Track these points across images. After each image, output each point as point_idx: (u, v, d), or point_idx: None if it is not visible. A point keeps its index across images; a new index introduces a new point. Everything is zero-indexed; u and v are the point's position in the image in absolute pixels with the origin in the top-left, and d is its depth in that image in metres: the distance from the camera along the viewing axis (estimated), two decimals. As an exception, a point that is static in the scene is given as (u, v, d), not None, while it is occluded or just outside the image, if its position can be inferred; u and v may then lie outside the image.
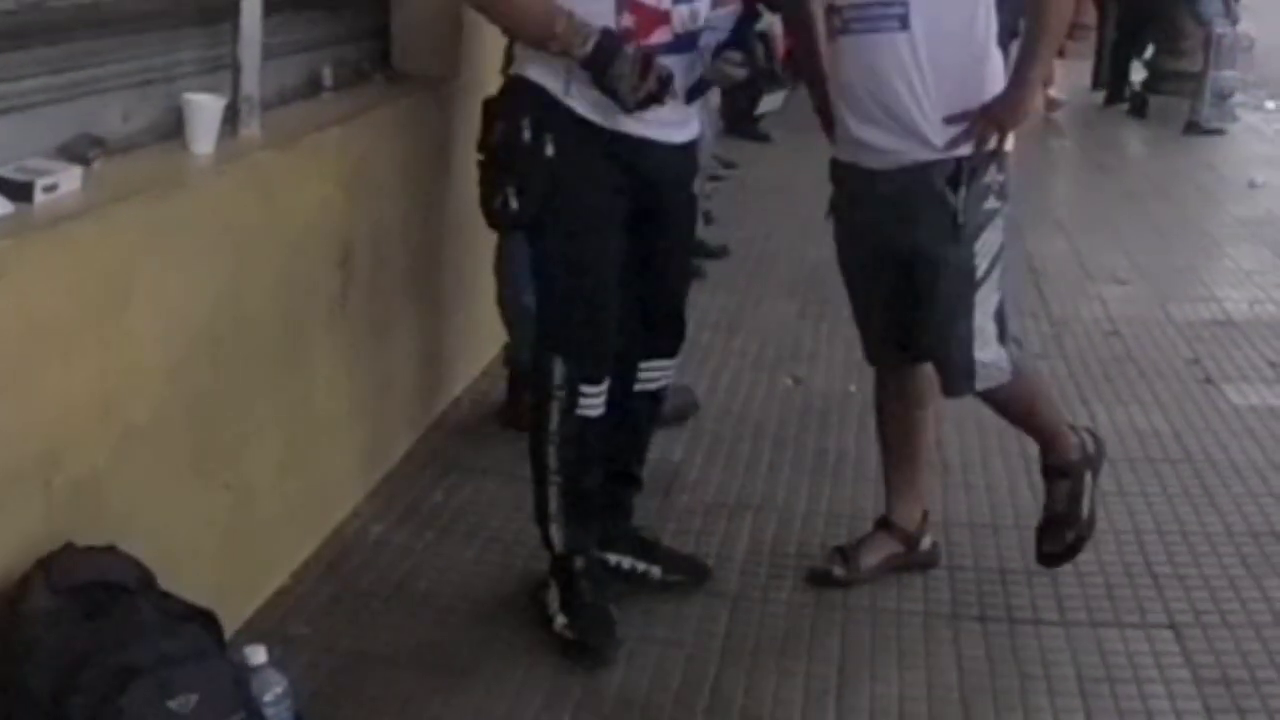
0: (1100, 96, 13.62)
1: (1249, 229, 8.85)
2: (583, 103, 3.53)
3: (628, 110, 3.46)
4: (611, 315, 3.69)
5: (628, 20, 3.49)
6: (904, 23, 3.59)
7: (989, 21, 3.67)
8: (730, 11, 3.77)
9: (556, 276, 3.69)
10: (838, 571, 4.11)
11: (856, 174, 3.81)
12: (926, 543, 4.24)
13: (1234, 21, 12.49)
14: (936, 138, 3.65)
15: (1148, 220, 9.00)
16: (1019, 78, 3.73)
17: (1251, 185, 10.10)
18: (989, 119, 3.65)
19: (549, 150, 3.53)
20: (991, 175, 3.72)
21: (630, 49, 3.41)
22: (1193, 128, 12.08)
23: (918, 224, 3.74)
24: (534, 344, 3.80)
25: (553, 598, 3.79)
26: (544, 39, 3.45)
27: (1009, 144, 3.75)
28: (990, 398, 3.90)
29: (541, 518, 3.80)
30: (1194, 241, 8.63)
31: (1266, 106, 13.58)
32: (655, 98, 3.45)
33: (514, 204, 3.57)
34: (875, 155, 3.73)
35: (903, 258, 3.85)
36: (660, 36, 3.55)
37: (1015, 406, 3.98)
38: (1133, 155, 11.16)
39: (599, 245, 3.64)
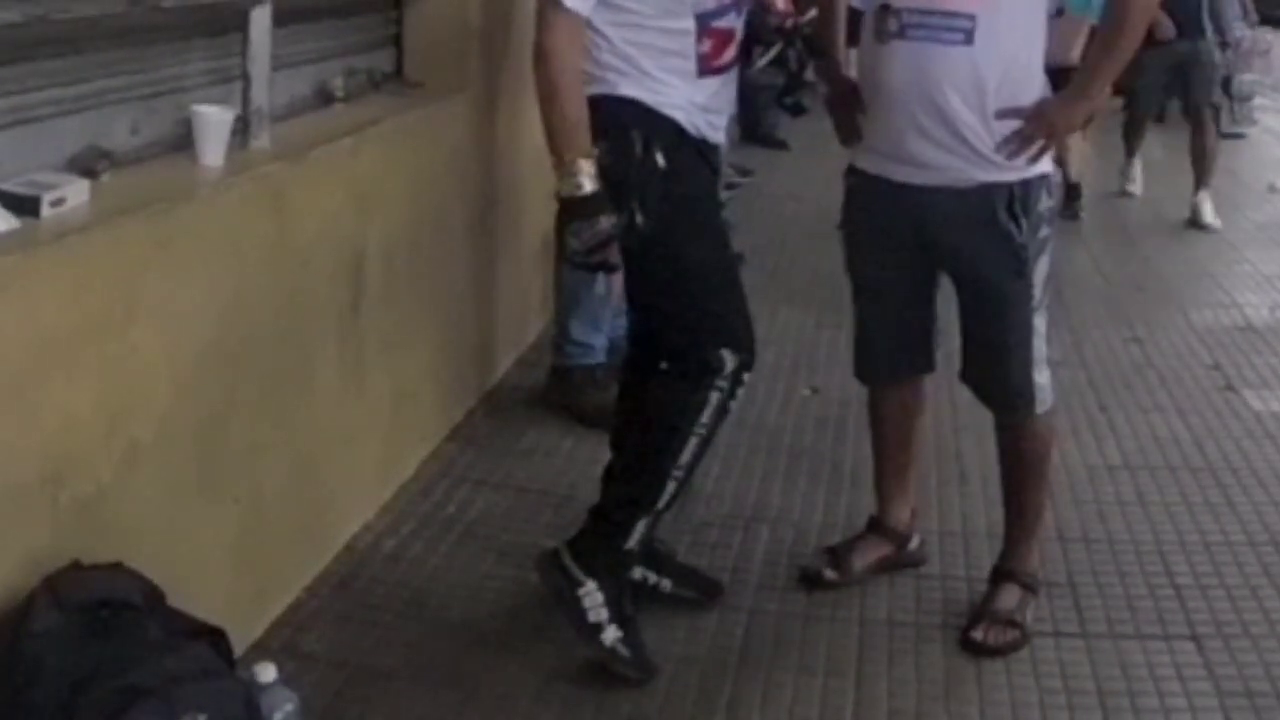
0: (1118, 101, 13.56)
1: (1269, 233, 8.84)
2: (680, 112, 3.55)
3: (569, 256, 3.48)
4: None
5: (706, 46, 3.54)
6: (969, 38, 3.51)
7: (1042, 46, 3.64)
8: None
9: (705, 273, 3.65)
10: (829, 573, 4.12)
11: (891, 188, 3.74)
12: (915, 542, 4.26)
13: (1252, 25, 12.46)
14: (992, 153, 3.58)
15: (1167, 224, 8.97)
16: (1080, 89, 3.69)
17: (1272, 189, 10.10)
18: (1041, 120, 3.59)
19: (659, 160, 3.50)
20: (1044, 201, 3.69)
21: (603, 222, 3.37)
22: (1211, 132, 12.05)
23: (979, 255, 3.71)
24: (690, 340, 3.66)
25: (594, 605, 3.61)
26: (556, 149, 3.40)
27: (1049, 166, 3.71)
28: (1033, 423, 3.86)
29: (635, 511, 3.68)
30: (1214, 247, 8.60)
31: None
32: (595, 266, 3.51)
33: (639, 219, 3.49)
34: (924, 171, 3.66)
35: (933, 277, 3.86)
36: (729, 55, 3.63)
37: (1045, 443, 3.93)
38: (1151, 160, 11.10)
39: (723, 237, 3.80)
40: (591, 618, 3.61)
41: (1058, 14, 4.61)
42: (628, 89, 3.51)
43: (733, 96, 3.75)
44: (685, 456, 3.63)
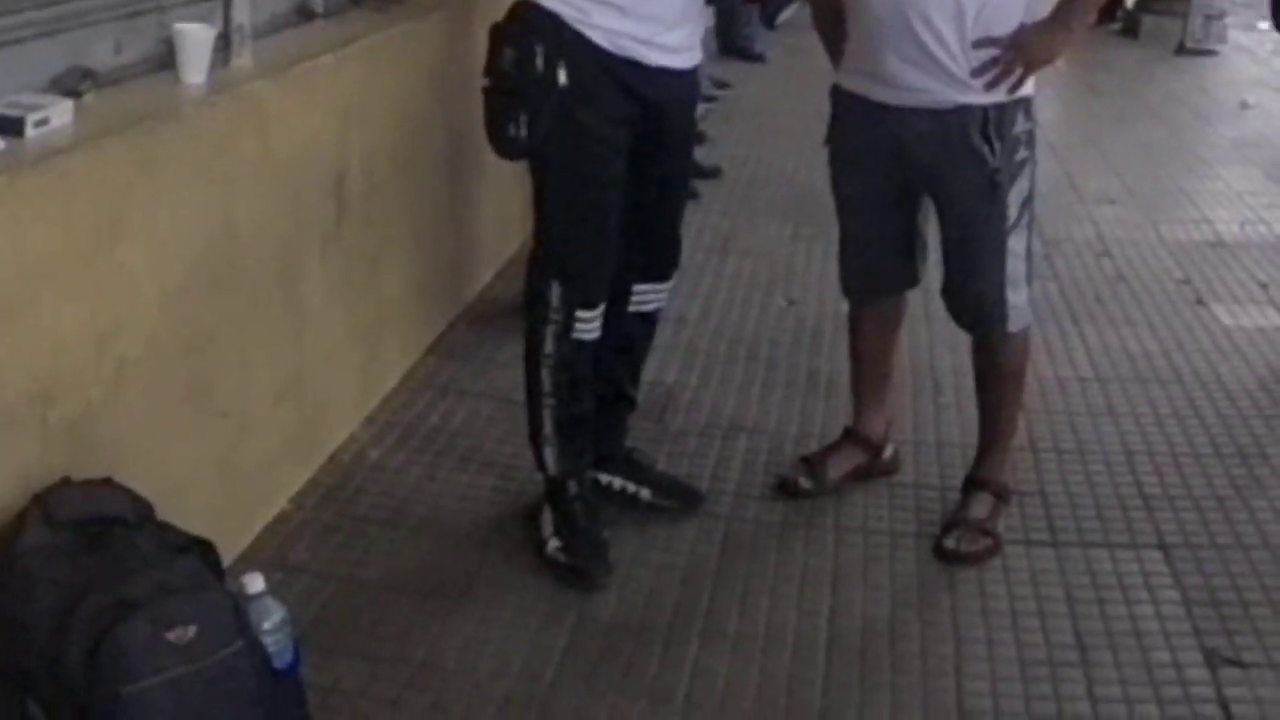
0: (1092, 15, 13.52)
1: (1240, 150, 8.85)
2: (598, 31, 3.51)
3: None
4: (612, 241, 3.69)
5: None
6: None
7: None
8: None
9: (559, 203, 3.68)
10: (804, 482, 4.19)
11: (871, 107, 3.76)
12: (889, 451, 4.33)
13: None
14: (971, 78, 3.60)
15: (1139, 141, 8.99)
16: (1061, 20, 3.69)
17: (1243, 106, 10.09)
18: (1020, 50, 3.60)
19: (562, 79, 3.50)
20: (1021, 124, 3.71)
21: None
22: (1183, 49, 12.07)
23: (952, 175, 3.74)
24: (529, 268, 3.80)
25: (546, 521, 3.83)
26: None
27: (1031, 89, 3.71)
28: (1007, 341, 3.91)
29: (536, 440, 3.83)
30: (1185, 162, 8.62)
31: (1258, 27, 13.50)
32: None
33: (524, 132, 3.55)
34: (903, 93, 3.67)
35: (914, 195, 3.88)
36: None
37: (1019, 358, 3.99)
38: (1124, 76, 11.09)
39: (604, 174, 3.63)
40: (542, 533, 3.82)
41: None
42: (549, 1, 3.52)
43: (695, 6, 3.68)
44: (546, 385, 3.75)
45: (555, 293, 3.67)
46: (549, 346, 3.71)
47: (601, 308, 3.73)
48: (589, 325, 3.72)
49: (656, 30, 3.55)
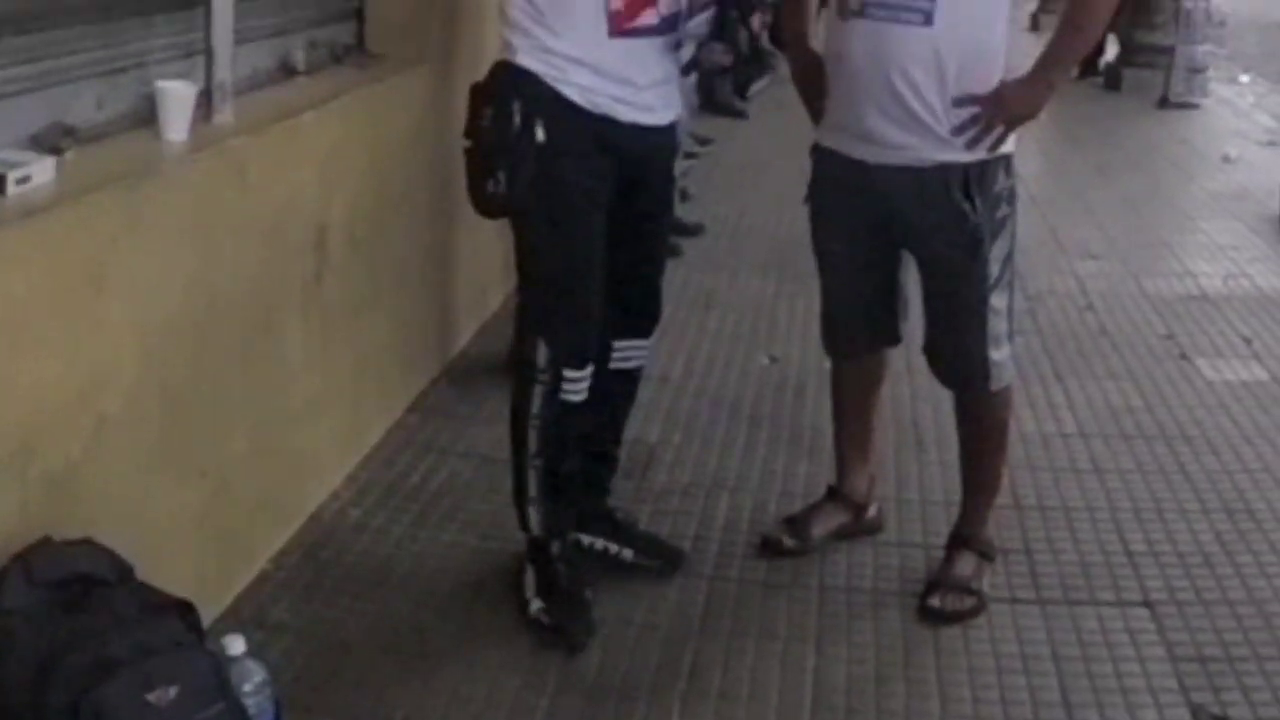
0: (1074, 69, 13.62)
1: (1223, 203, 8.89)
2: (574, 89, 3.53)
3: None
4: (596, 300, 3.69)
5: (616, 3, 3.51)
6: (929, 19, 3.51)
7: (1011, 28, 3.64)
8: (706, 16, 3.80)
9: (541, 261, 3.68)
10: (788, 541, 4.17)
11: (851, 165, 3.76)
12: (873, 510, 4.31)
13: (1206, -5, 12.54)
14: (952, 135, 3.60)
15: (1121, 194, 9.03)
16: (1041, 75, 3.68)
17: (1225, 159, 10.15)
18: (1000, 106, 3.59)
19: (540, 135, 3.52)
20: (1002, 181, 3.70)
21: None
22: (1166, 102, 12.14)
23: (933, 233, 3.73)
24: (516, 327, 3.79)
25: (529, 582, 3.80)
26: None
27: (1011, 146, 3.71)
28: (990, 398, 3.90)
29: (520, 500, 3.81)
30: (1168, 216, 8.68)
31: (1240, 80, 13.62)
32: None
33: (502, 188, 3.56)
34: (883, 150, 3.67)
35: (894, 252, 3.88)
36: (646, 19, 3.57)
37: (1002, 414, 3.97)
38: (1106, 129, 11.16)
39: (584, 230, 3.64)
40: (525, 593, 3.79)
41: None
42: (525, 59, 3.55)
43: (669, 69, 3.70)
44: (533, 445, 3.74)
45: (542, 353, 3.66)
46: (536, 406, 3.70)
47: (590, 368, 3.72)
48: (577, 386, 3.71)
49: (630, 91, 3.58)
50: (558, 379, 3.67)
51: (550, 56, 3.53)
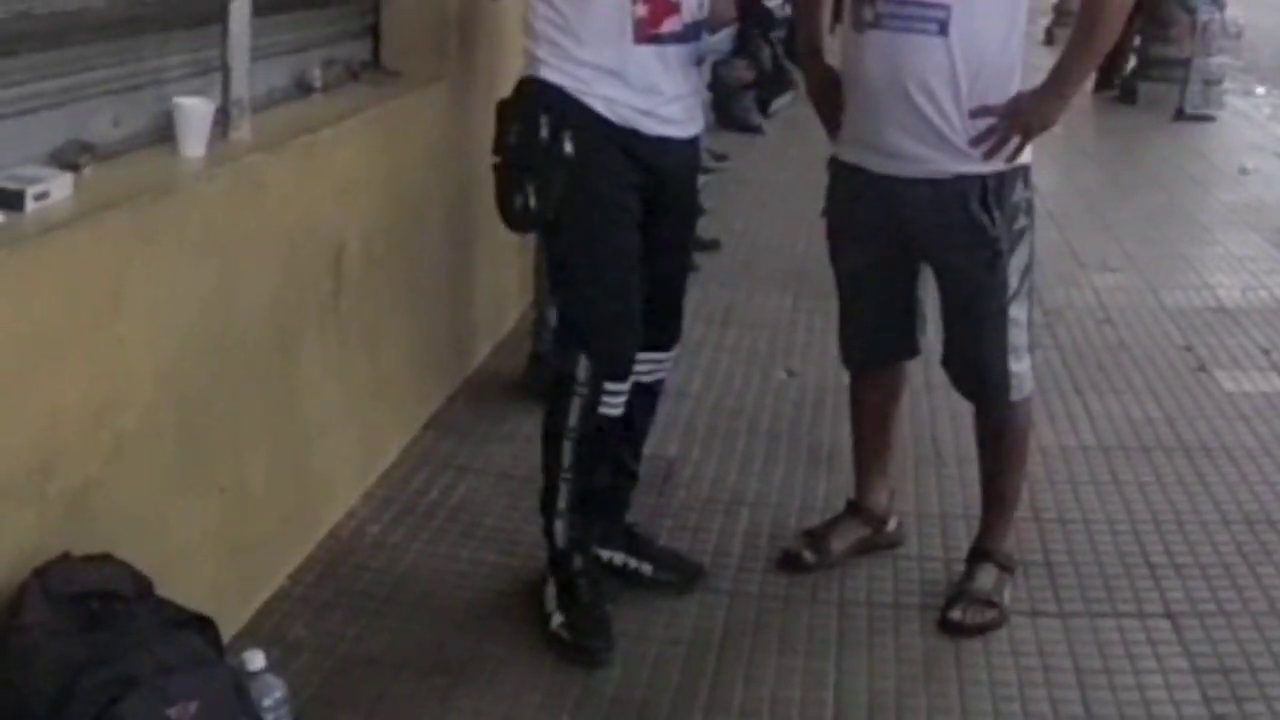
0: (1089, 83, 13.62)
1: (1240, 215, 8.88)
2: (600, 101, 3.55)
3: None
4: (635, 311, 3.70)
5: (642, 10, 3.53)
6: (943, 29, 3.51)
7: (1023, 36, 3.64)
8: (729, 33, 3.82)
9: (580, 274, 3.68)
10: (808, 556, 4.15)
11: (868, 178, 3.76)
12: (893, 524, 4.30)
13: (1221, 7, 12.52)
14: (969, 147, 3.59)
15: (1138, 208, 9.02)
16: (1055, 88, 3.67)
17: (1242, 171, 10.13)
18: (1016, 117, 3.59)
19: (568, 148, 3.53)
20: (1020, 192, 3.70)
21: None
22: (1181, 114, 12.12)
23: (951, 245, 3.73)
24: (556, 341, 3.79)
25: (550, 596, 3.79)
26: None
27: (1028, 156, 3.70)
28: (1009, 410, 3.89)
29: (548, 512, 3.80)
30: (1185, 229, 8.65)
31: (1256, 92, 13.61)
32: None
33: (534, 203, 3.57)
34: (901, 163, 3.67)
35: (912, 265, 3.87)
36: (670, 26, 3.58)
37: (1022, 427, 3.97)
38: (1122, 143, 11.16)
39: (620, 242, 3.65)
40: (546, 607, 3.77)
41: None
42: (550, 73, 3.57)
43: (693, 81, 3.73)
44: (567, 459, 3.73)
45: (583, 366, 3.65)
46: (573, 420, 3.69)
47: (629, 382, 3.72)
48: (616, 399, 3.72)
49: (657, 102, 3.60)
50: (598, 392, 3.67)
51: (576, 67, 3.55)
